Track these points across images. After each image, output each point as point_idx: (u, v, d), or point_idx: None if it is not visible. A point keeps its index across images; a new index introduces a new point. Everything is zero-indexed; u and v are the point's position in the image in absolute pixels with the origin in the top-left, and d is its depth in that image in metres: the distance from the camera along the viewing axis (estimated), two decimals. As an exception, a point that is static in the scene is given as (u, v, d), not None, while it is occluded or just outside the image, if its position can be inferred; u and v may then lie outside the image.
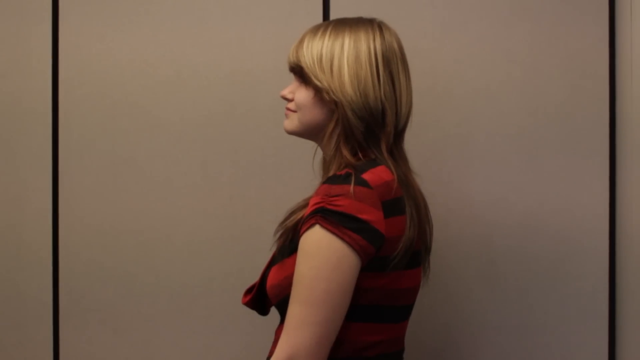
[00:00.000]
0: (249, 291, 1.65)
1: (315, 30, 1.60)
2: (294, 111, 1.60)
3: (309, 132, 1.61)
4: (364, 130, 1.53)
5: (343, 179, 1.46)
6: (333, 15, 2.00)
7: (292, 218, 1.54)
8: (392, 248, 1.48)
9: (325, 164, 1.62)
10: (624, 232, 1.93)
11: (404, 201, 1.52)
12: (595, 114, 1.94)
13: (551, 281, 1.95)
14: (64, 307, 2.11)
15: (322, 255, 1.43)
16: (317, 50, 1.56)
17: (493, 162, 1.97)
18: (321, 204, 1.44)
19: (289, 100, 1.62)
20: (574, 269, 1.96)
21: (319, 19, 2.00)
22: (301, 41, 1.59)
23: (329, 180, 1.49)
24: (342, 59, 1.54)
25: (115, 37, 2.09)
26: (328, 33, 1.57)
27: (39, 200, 2.11)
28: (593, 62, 1.94)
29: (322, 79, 1.54)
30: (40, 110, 2.11)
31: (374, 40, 1.55)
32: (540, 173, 1.96)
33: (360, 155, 1.54)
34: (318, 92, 1.55)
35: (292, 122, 1.61)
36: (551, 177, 1.96)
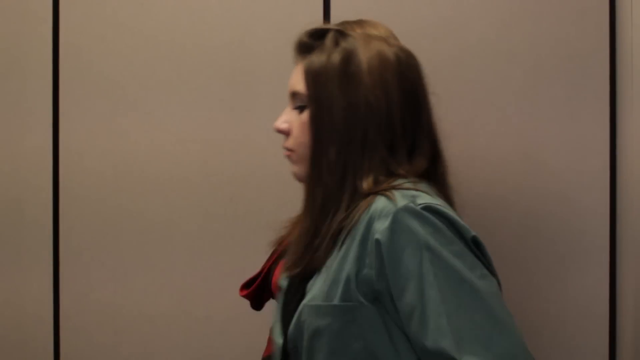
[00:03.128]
0: (247, 285, 1.67)
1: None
2: None
3: None
4: None
5: None
6: (333, 16, 2.00)
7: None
8: None
9: None
10: (625, 232, 1.93)
11: None
12: (596, 114, 1.94)
13: (551, 281, 1.96)
14: (64, 306, 2.11)
15: None
16: None
17: (493, 162, 1.97)
18: None
19: None
20: (574, 268, 1.96)
21: (319, 19, 2.00)
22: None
23: None
24: None
25: (115, 37, 2.09)
26: None
27: (39, 200, 2.11)
28: (593, 62, 1.94)
29: None
30: (40, 110, 2.11)
31: None
32: (541, 173, 1.96)
33: None
34: None
35: None
36: (552, 177, 1.96)
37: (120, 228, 2.09)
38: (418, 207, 1.18)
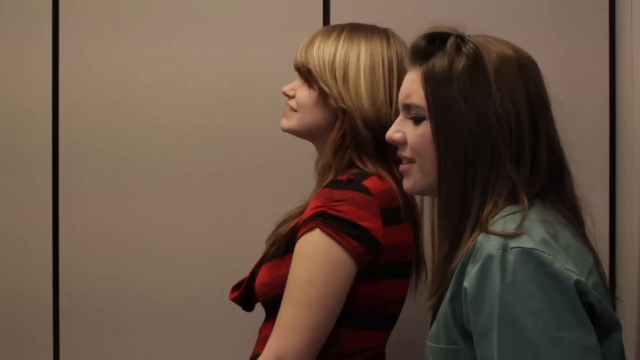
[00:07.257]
0: (236, 287, 1.66)
1: (328, 32, 1.57)
2: (295, 110, 1.60)
3: (306, 133, 1.60)
4: (374, 142, 1.52)
5: (345, 185, 1.46)
6: (333, 16, 2.00)
7: (284, 227, 1.54)
8: (388, 256, 1.47)
9: (322, 168, 1.60)
10: (624, 232, 1.93)
11: (402, 210, 1.51)
12: (595, 114, 1.94)
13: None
14: (64, 307, 2.11)
15: (321, 259, 1.43)
16: (329, 55, 1.54)
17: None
18: (322, 208, 1.44)
19: (290, 97, 1.61)
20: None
21: (319, 19, 2.00)
22: (312, 41, 1.57)
23: (330, 185, 1.48)
24: (359, 69, 1.53)
25: (115, 37, 2.09)
26: (342, 38, 1.55)
27: (39, 200, 2.11)
28: (593, 62, 1.94)
29: (330, 85, 1.52)
30: (40, 110, 2.11)
31: (389, 52, 1.55)
32: (540, 173, 1.95)
33: (361, 164, 1.53)
34: (323, 95, 1.54)
35: (291, 121, 1.61)
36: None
37: (120, 228, 2.09)
38: (509, 252, 1.12)
